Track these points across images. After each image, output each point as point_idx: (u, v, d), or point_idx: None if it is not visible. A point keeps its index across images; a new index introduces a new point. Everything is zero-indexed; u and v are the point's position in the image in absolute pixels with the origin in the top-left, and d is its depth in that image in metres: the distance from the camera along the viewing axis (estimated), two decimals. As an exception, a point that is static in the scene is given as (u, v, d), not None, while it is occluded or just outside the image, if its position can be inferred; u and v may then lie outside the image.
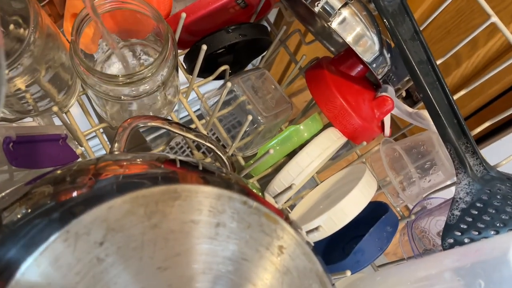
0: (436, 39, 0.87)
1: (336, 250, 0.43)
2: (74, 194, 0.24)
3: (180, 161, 0.29)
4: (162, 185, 0.24)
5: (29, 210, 0.24)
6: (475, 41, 0.81)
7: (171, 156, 0.31)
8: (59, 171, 0.27)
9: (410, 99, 0.49)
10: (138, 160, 0.29)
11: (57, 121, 0.38)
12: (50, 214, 0.22)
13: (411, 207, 0.45)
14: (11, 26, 0.33)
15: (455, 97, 0.42)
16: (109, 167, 0.27)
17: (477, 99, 0.84)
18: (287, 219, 0.28)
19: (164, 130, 0.69)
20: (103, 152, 0.64)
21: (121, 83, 0.33)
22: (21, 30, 0.30)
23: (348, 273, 0.33)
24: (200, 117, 0.47)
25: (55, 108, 0.32)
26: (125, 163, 0.28)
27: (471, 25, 0.77)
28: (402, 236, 0.45)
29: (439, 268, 0.29)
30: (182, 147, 0.70)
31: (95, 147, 0.69)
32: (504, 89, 0.83)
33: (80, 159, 0.37)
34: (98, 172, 0.26)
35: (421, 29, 0.40)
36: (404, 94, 0.48)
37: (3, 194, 0.29)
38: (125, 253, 0.21)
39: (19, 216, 0.23)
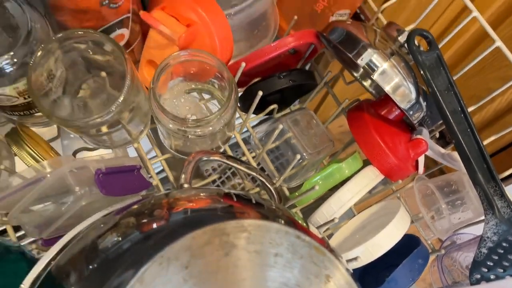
0: (470, 74, 0.90)
1: (370, 278, 0.47)
2: (154, 225, 0.30)
3: (235, 195, 0.35)
4: (233, 219, 0.29)
5: (120, 238, 0.29)
6: (509, 78, 0.84)
7: (226, 190, 0.36)
8: (138, 205, 0.33)
9: (443, 140, 0.53)
10: (202, 194, 0.34)
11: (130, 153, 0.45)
12: (146, 241, 0.28)
13: (442, 239, 0.49)
14: (104, 74, 0.39)
15: (485, 142, 0.46)
16: (179, 201, 0.33)
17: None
18: (330, 249, 0.32)
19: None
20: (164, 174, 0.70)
21: (191, 126, 0.38)
22: (115, 82, 0.36)
23: (382, 300, 0.38)
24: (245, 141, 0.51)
25: (135, 145, 0.38)
26: (192, 198, 0.33)
27: (504, 63, 0.80)
28: (432, 268, 0.48)
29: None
30: (226, 171, 0.75)
31: (157, 169, 0.76)
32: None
33: (152, 187, 0.42)
34: (171, 206, 0.32)
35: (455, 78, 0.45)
36: (437, 135, 0.52)
37: (96, 219, 0.35)
38: (204, 276, 0.27)
39: (113, 242, 0.29)
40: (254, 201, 0.34)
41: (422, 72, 0.44)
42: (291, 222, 0.32)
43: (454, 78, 0.48)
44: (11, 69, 0.34)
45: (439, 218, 0.48)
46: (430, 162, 0.57)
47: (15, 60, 0.34)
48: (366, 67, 0.42)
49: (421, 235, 0.48)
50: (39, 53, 0.33)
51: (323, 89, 0.52)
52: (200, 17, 0.42)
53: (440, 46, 0.50)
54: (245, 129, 0.78)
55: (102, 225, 0.32)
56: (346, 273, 0.32)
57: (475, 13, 0.48)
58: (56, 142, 0.51)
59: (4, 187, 0.37)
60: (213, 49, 0.44)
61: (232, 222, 0.29)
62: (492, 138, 0.49)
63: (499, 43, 0.47)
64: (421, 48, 0.45)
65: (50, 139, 0.48)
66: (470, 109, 0.48)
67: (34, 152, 0.39)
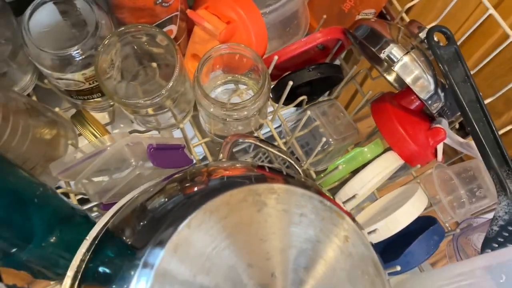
0: (498, 74, 0.92)
1: (389, 254, 0.50)
2: (196, 188, 0.35)
3: (268, 167, 0.40)
4: (264, 183, 0.34)
5: (166, 199, 0.35)
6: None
7: (260, 163, 0.41)
8: (181, 174, 0.38)
9: (462, 131, 0.56)
10: (237, 165, 0.40)
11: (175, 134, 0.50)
12: (190, 200, 0.33)
13: (459, 221, 0.52)
14: (155, 64, 0.45)
15: (501, 132, 0.49)
16: (218, 170, 0.38)
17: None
18: (349, 215, 0.37)
19: (244, 146, 0.80)
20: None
21: (228, 109, 0.44)
22: (164, 71, 0.42)
23: (398, 267, 0.42)
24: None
25: (181, 125, 0.44)
26: (229, 168, 0.39)
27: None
28: (448, 247, 0.52)
29: (472, 267, 0.37)
30: (260, 157, 0.80)
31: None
32: None
33: (194, 162, 0.48)
34: (210, 173, 0.37)
35: (478, 69, 0.48)
36: (457, 126, 0.56)
37: (146, 187, 0.41)
38: (239, 227, 0.32)
39: (160, 203, 0.35)
40: (284, 173, 0.39)
41: (440, 65, 0.47)
42: (317, 191, 0.37)
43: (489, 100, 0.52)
44: (80, 58, 0.41)
45: (457, 203, 0.52)
46: (451, 152, 0.60)
47: (84, 50, 0.41)
48: (388, 60, 0.47)
49: (439, 218, 0.52)
50: (104, 44, 0.40)
51: (353, 87, 0.57)
52: (239, 16, 0.48)
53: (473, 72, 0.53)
54: (277, 125, 0.83)
55: (151, 189, 0.38)
56: (363, 236, 0.36)
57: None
58: (109, 128, 0.58)
59: (69, 160, 0.44)
60: (249, 44, 0.49)
61: (263, 185, 0.34)
62: (508, 127, 0.52)
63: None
64: (440, 43, 0.48)
65: (104, 124, 0.55)
66: (487, 101, 0.51)
67: (95, 131, 0.45)
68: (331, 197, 0.39)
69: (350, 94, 0.96)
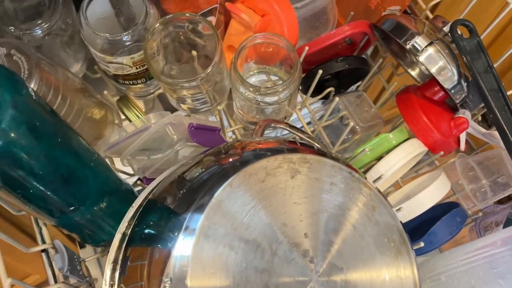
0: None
1: (414, 236, 0.53)
2: (231, 159, 0.38)
3: (300, 142, 0.42)
4: (297, 153, 0.37)
5: (204, 169, 0.38)
6: None
7: (291, 139, 0.44)
8: (216, 148, 0.41)
9: (485, 123, 0.58)
10: (270, 140, 0.43)
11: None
12: (227, 167, 0.36)
13: (481, 208, 0.54)
14: (195, 52, 0.49)
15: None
16: (251, 143, 0.41)
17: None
18: (378, 190, 0.39)
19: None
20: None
21: (262, 92, 0.47)
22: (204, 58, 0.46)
23: (422, 243, 0.44)
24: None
25: (220, 107, 0.48)
26: (261, 142, 0.42)
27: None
28: (470, 232, 0.54)
29: (493, 239, 0.39)
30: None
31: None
32: None
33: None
34: (244, 146, 0.40)
35: (496, 65, 0.50)
36: (480, 118, 0.58)
37: (184, 162, 0.44)
38: (275, 189, 0.35)
39: (198, 172, 0.38)
40: (316, 148, 0.42)
41: (463, 56, 0.50)
42: (349, 166, 0.39)
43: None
44: (130, 43, 0.45)
45: (479, 191, 0.54)
46: (475, 143, 0.62)
47: (133, 36, 0.45)
48: (414, 50, 0.50)
49: (462, 206, 0.53)
50: (152, 30, 0.44)
51: (379, 84, 0.59)
52: (273, 9, 0.52)
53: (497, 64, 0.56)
54: (306, 119, 0.86)
55: (190, 162, 0.41)
56: (389, 206, 0.39)
57: None
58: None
59: (116, 138, 0.48)
60: (282, 35, 0.53)
61: (297, 154, 0.37)
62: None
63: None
64: (463, 36, 0.51)
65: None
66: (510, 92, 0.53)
67: (139, 113, 0.49)
68: (362, 174, 0.41)
69: (378, 90, 0.98)
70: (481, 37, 0.52)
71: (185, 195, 0.36)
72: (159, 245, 0.34)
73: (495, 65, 0.51)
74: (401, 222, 0.39)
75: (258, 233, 0.33)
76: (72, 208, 0.37)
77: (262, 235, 0.33)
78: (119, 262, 0.37)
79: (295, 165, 0.36)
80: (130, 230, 0.38)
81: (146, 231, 0.37)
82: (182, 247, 0.31)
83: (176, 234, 0.32)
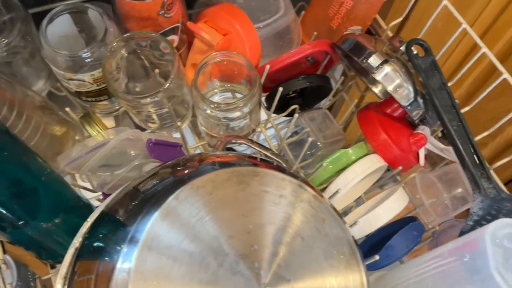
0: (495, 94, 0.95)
1: (372, 252, 0.53)
2: (186, 171, 0.38)
3: (260, 158, 0.43)
4: (247, 166, 0.38)
5: (158, 181, 0.38)
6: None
7: (253, 154, 0.44)
8: (174, 161, 0.42)
9: (445, 139, 0.60)
10: (230, 154, 0.43)
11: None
12: (179, 180, 0.37)
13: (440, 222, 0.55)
14: (157, 70, 0.50)
15: (477, 138, 0.53)
16: (209, 157, 0.42)
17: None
18: (330, 204, 0.40)
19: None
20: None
21: (222, 109, 0.48)
22: (165, 75, 0.47)
23: (377, 257, 0.44)
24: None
25: (179, 123, 0.48)
26: (220, 155, 0.42)
27: None
28: (429, 245, 0.54)
29: (443, 250, 0.39)
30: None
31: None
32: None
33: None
34: (202, 159, 0.41)
35: (452, 83, 0.52)
36: (440, 134, 0.59)
37: (141, 175, 0.44)
38: (223, 202, 0.35)
39: (152, 184, 0.38)
40: (275, 163, 0.43)
41: (418, 73, 0.52)
42: (302, 180, 0.40)
43: (467, 109, 0.56)
44: (90, 60, 0.46)
45: (440, 205, 0.55)
46: (438, 159, 0.63)
47: (93, 53, 0.46)
48: (371, 69, 0.51)
49: (423, 220, 0.54)
50: (111, 48, 0.45)
51: (347, 104, 0.60)
52: (235, 28, 0.53)
53: (453, 82, 0.58)
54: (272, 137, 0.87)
55: (145, 175, 0.41)
56: (340, 220, 0.39)
57: (484, 49, 0.55)
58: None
59: (76, 153, 0.48)
60: (244, 55, 0.54)
61: (248, 168, 0.38)
62: (485, 134, 0.55)
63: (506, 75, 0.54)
64: (419, 55, 0.53)
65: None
66: (477, 138, 0.54)
67: (101, 130, 0.50)
68: (314, 187, 0.42)
69: (346, 109, 1.01)
70: (437, 56, 0.54)
71: (136, 206, 0.36)
72: (106, 258, 0.34)
73: (449, 84, 0.53)
74: (353, 237, 0.39)
75: (204, 246, 0.33)
76: (22, 222, 0.37)
77: (208, 248, 0.33)
78: (69, 276, 0.37)
79: (245, 178, 0.37)
80: (81, 244, 0.38)
81: (96, 244, 0.37)
82: (126, 259, 0.31)
83: (121, 246, 0.32)
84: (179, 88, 0.49)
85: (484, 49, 0.53)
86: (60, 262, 0.46)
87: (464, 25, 0.54)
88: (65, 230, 0.42)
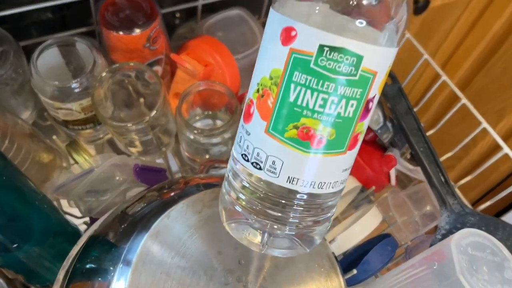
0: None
1: (353, 267, 0.56)
2: (173, 193, 0.41)
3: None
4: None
5: (146, 204, 0.40)
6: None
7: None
8: (160, 184, 0.44)
9: (414, 161, 0.64)
10: (213, 176, 0.46)
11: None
12: (171, 197, 0.39)
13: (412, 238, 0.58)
14: (142, 100, 0.52)
15: (442, 158, 0.57)
16: (194, 179, 0.44)
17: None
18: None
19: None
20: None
21: (205, 134, 0.51)
22: (150, 104, 0.50)
23: (354, 271, 0.47)
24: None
25: (163, 149, 0.51)
26: (204, 178, 0.45)
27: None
28: (403, 260, 0.57)
29: (414, 261, 0.42)
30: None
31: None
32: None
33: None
34: (187, 182, 0.43)
35: (418, 108, 0.57)
36: (408, 156, 0.64)
37: (130, 198, 0.46)
38: (211, 220, 0.37)
39: (141, 207, 0.40)
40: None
41: (386, 100, 0.56)
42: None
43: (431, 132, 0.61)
44: (78, 90, 0.48)
45: (411, 222, 0.58)
46: (408, 179, 0.67)
47: (81, 84, 0.48)
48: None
49: (396, 236, 0.57)
50: (99, 79, 0.47)
51: None
52: (215, 60, 0.56)
53: (418, 108, 0.63)
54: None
55: (132, 199, 0.43)
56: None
57: (444, 77, 0.60)
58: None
59: (64, 180, 0.49)
60: (224, 84, 0.57)
61: (234, 188, 0.40)
62: (449, 154, 0.60)
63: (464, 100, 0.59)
64: (386, 82, 0.57)
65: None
66: (443, 159, 0.59)
67: (88, 157, 0.51)
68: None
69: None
70: (403, 84, 0.59)
71: (126, 228, 0.38)
72: (100, 278, 0.35)
73: (415, 109, 0.57)
74: (333, 253, 0.42)
75: (194, 261, 0.35)
76: (15, 245, 0.38)
77: (198, 263, 0.35)
78: (61, 298, 0.38)
79: (231, 197, 0.39)
80: (72, 267, 0.39)
81: (88, 266, 0.38)
82: (121, 277, 0.33)
83: (115, 265, 0.34)
84: (164, 116, 0.52)
85: (444, 77, 0.58)
86: (47, 286, 0.47)
87: (426, 55, 0.59)
88: (54, 254, 0.43)
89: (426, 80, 0.96)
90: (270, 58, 0.27)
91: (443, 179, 0.52)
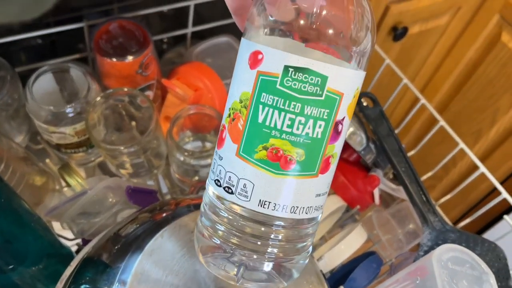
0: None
1: (340, 284, 0.57)
2: (164, 214, 0.42)
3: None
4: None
5: (138, 225, 0.42)
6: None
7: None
8: (151, 206, 0.45)
9: (396, 180, 0.66)
10: (200, 197, 0.47)
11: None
12: (165, 218, 0.40)
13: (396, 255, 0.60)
14: (134, 123, 0.54)
15: (423, 178, 0.60)
16: (185, 200, 0.45)
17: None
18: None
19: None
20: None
21: (196, 156, 0.53)
22: (142, 128, 0.51)
23: (342, 287, 0.48)
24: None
25: (155, 171, 0.52)
26: (195, 198, 0.46)
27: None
28: (387, 276, 0.59)
29: (399, 276, 0.44)
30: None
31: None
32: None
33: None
34: (178, 203, 0.45)
35: (399, 130, 0.59)
36: (391, 176, 0.66)
37: (121, 220, 0.47)
38: (204, 239, 0.39)
39: (133, 228, 0.41)
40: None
41: (368, 122, 0.59)
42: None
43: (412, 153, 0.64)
44: (72, 114, 0.49)
45: (395, 241, 0.60)
46: (390, 199, 0.70)
47: (76, 108, 0.49)
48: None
49: (381, 254, 0.59)
50: (93, 104, 0.49)
51: None
52: (205, 85, 0.59)
53: (399, 130, 0.66)
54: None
55: (124, 221, 0.44)
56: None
57: (423, 100, 0.63)
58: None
59: (56, 202, 0.50)
60: (213, 108, 0.59)
61: (224, 208, 0.42)
62: (429, 174, 0.62)
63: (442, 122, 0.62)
64: (368, 106, 0.60)
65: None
66: (423, 178, 0.61)
67: (80, 180, 0.53)
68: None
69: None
70: (384, 107, 0.62)
71: (120, 249, 0.39)
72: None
73: (396, 131, 0.60)
74: (321, 270, 0.44)
75: (187, 279, 0.36)
76: (10, 267, 0.39)
77: (191, 281, 0.36)
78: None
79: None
80: (66, 288, 0.40)
81: (82, 287, 0.39)
82: (117, 295, 0.34)
83: (110, 285, 0.35)
84: (155, 139, 0.53)
85: (423, 100, 0.61)
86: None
87: (405, 80, 0.62)
88: (47, 275, 0.44)
89: (406, 103, 1.00)
90: (240, 83, 0.28)
91: (424, 198, 0.55)
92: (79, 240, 0.52)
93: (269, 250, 0.29)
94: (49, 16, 0.59)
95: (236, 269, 0.30)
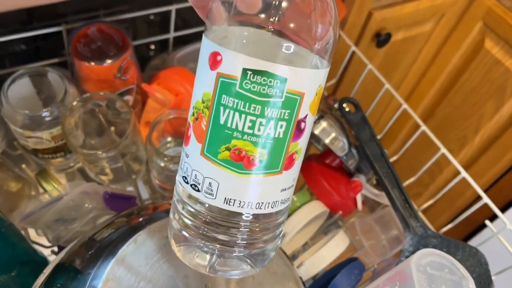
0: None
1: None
2: (141, 219, 0.41)
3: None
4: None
5: (114, 230, 0.41)
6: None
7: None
8: (128, 210, 0.44)
9: (379, 186, 0.66)
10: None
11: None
12: (139, 223, 0.39)
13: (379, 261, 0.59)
14: (113, 128, 0.53)
15: (405, 184, 0.60)
16: (163, 205, 0.45)
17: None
18: (280, 248, 0.44)
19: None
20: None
21: (175, 161, 0.52)
22: (120, 133, 0.51)
23: (322, 294, 0.48)
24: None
25: (133, 176, 0.51)
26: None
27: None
28: (370, 282, 0.58)
29: (379, 281, 0.44)
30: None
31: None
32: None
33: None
34: (156, 207, 0.44)
35: (381, 136, 0.59)
36: (374, 181, 0.66)
37: (98, 225, 0.46)
38: (179, 245, 0.38)
39: (109, 233, 0.40)
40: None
41: (351, 127, 0.58)
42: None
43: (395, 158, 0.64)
44: (49, 119, 0.49)
45: (378, 246, 0.60)
46: (376, 204, 0.69)
47: (52, 113, 0.49)
48: (308, 123, 0.57)
49: (364, 260, 0.59)
50: (70, 108, 0.48)
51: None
52: (186, 89, 0.58)
53: (381, 135, 0.66)
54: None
55: (99, 225, 0.44)
56: (286, 259, 0.43)
57: (405, 105, 0.63)
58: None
59: (31, 208, 0.49)
60: (195, 113, 0.59)
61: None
62: (412, 179, 0.62)
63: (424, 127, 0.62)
64: (350, 111, 0.60)
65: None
66: (406, 184, 0.61)
67: (57, 185, 0.52)
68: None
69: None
70: (367, 113, 0.62)
71: (93, 254, 0.38)
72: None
73: (378, 136, 0.60)
74: (301, 277, 0.43)
75: (161, 285, 0.36)
76: (-22, 274, 0.38)
77: (165, 287, 0.36)
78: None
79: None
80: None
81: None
82: (87, 303, 0.33)
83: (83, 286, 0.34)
84: (134, 144, 0.53)
85: (405, 105, 0.61)
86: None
87: (387, 85, 0.62)
88: (21, 283, 0.43)
89: (393, 110, 1.00)
90: (202, 83, 0.27)
91: (406, 203, 0.54)
92: (55, 248, 0.51)
93: (239, 242, 0.29)
94: (34, 22, 0.58)
95: (208, 258, 0.30)
